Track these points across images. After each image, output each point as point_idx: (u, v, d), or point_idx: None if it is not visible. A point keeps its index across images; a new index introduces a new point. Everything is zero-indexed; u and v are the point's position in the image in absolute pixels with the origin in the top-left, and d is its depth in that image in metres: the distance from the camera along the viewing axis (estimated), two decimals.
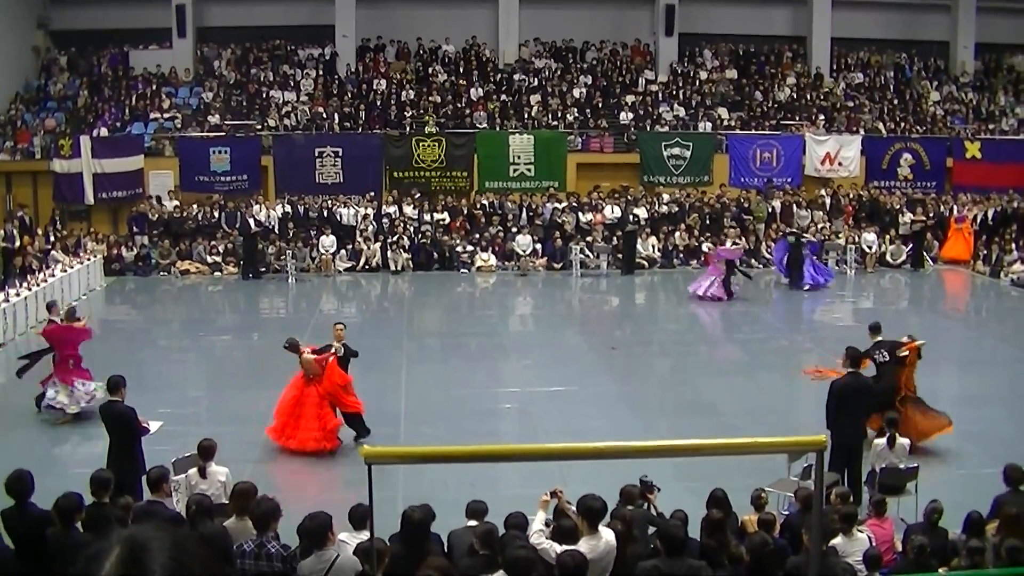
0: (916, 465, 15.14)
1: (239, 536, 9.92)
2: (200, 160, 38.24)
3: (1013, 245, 36.69)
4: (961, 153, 42.78)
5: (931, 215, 38.84)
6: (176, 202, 37.30)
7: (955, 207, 39.35)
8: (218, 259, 35.24)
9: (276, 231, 36.16)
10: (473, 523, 10.89)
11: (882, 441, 15.22)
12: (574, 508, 10.49)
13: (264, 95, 41.57)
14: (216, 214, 36.70)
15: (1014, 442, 17.12)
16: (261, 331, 28.76)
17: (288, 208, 37.12)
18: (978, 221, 38.79)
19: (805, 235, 34.24)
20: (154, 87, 41.59)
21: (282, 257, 34.68)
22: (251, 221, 35.10)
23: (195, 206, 37.11)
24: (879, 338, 18.45)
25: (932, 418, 17.83)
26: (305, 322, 28.37)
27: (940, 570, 10.70)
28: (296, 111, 40.74)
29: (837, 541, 11.49)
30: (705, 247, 36.89)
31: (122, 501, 11.22)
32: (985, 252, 37.45)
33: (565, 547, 9.74)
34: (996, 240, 37.41)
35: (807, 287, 32.84)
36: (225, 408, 20.25)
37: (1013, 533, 11.26)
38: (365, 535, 9.85)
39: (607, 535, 10.10)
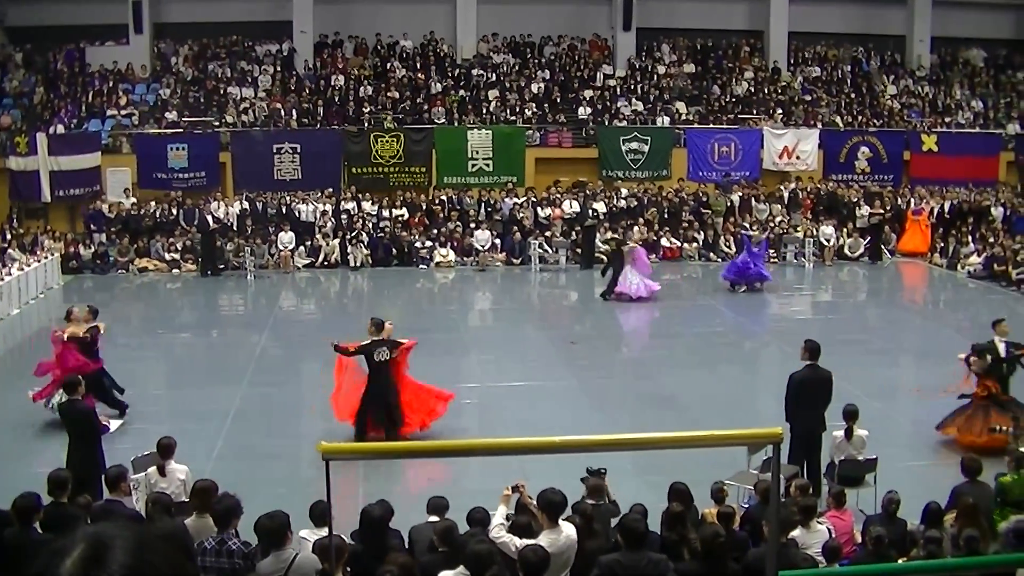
0: (874, 457, 15.23)
1: (200, 534, 9.90)
2: (158, 157, 38.01)
3: (969, 237, 36.95)
4: (918, 146, 43.06)
5: (888, 208, 39.05)
6: (134, 199, 37.08)
7: (912, 200, 39.59)
8: (176, 256, 35.08)
9: (235, 228, 36.05)
10: (434, 519, 10.92)
11: (840, 433, 15.31)
12: (536, 502, 10.54)
13: (222, 91, 41.39)
14: (174, 211, 36.51)
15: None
16: (220, 328, 28.73)
17: (246, 205, 36.99)
18: (935, 214, 39.04)
19: (758, 238, 33.72)
20: (111, 84, 41.29)
21: (241, 254, 34.57)
22: (209, 218, 34.88)
23: (153, 203, 36.91)
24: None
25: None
26: (264, 319, 28.33)
27: (899, 560, 10.78)
28: (254, 107, 40.58)
29: (797, 533, 11.56)
30: (664, 241, 37.01)
31: (81, 500, 11.21)
32: (942, 244, 37.72)
33: (526, 541, 9.80)
34: (953, 233, 37.66)
35: (742, 288, 32.28)
36: (184, 406, 20.21)
37: (971, 523, 11.38)
38: (326, 532, 9.86)
39: (568, 529, 10.14)
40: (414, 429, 17.82)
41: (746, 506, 13.37)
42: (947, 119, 44.82)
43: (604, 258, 33.14)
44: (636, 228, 34.42)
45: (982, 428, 17.11)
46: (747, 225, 35.63)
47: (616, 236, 31.94)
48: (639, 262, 30.68)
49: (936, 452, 17.37)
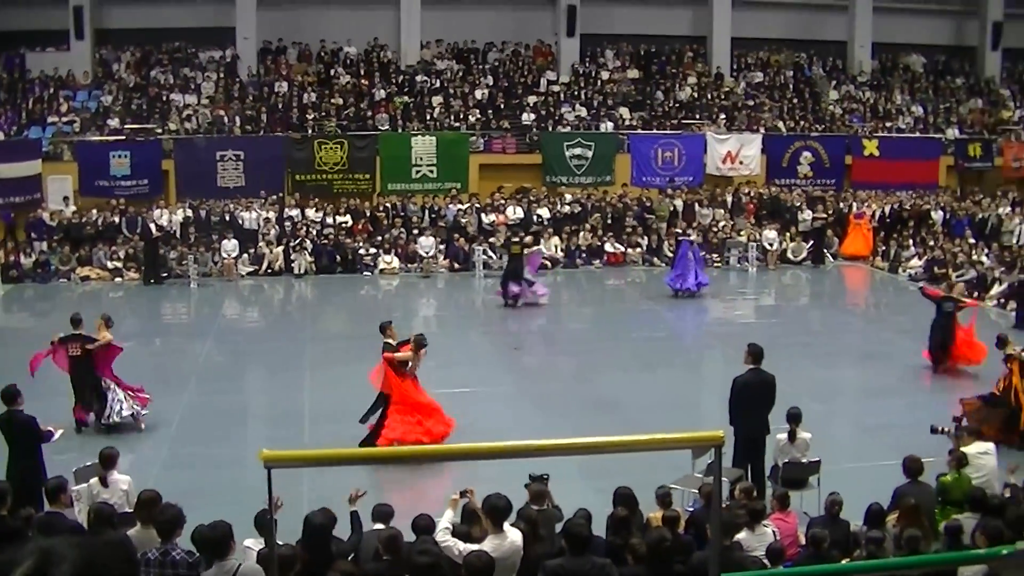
0: (818, 459, 15.34)
1: (144, 545, 9.83)
2: (100, 164, 37.64)
3: (910, 241, 37.30)
4: (859, 151, 43.42)
5: (831, 212, 39.34)
6: (75, 207, 36.77)
7: (854, 204, 39.89)
8: (119, 264, 34.80)
9: (178, 236, 35.81)
10: (379, 526, 10.92)
11: (784, 436, 15.40)
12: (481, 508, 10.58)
13: (164, 98, 41.09)
14: (117, 219, 36.19)
15: (913, 433, 17.38)
16: (163, 337, 28.56)
17: (190, 212, 36.71)
18: (876, 217, 39.37)
19: (692, 240, 33.40)
20: (52, 90, 40.93)
21: (184, 262, 34.39)
22: (152, 226, 34.61)
23: (95, 211, 36.58)
24: None
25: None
26: (208, 327, 28.21)
27: (843, 561, 10.87)
28: (197, 114, 40.34)
29: (742, 535, 11.63)
30: (608, 247, 37.13)
31: (23, 512, 11.10)
32: (884, 248, 38.04)
33: (471, 546, 9.83)
34: (894, 236, 37.99)
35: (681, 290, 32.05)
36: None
37: (912, 523, 11.51)
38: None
39: (513, 535, 10.17)
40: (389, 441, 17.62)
41: (691, 510, 13.43)
42: (888, 124, 45.21)
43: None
44: (534, 233, 34.32)
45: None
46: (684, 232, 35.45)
47: (516, 239, 31.77)
48: (531, 266, 30.77)
49: (878, 453, 17.50)
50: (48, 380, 19.38)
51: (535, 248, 31.88)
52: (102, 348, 19.26)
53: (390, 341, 18.87)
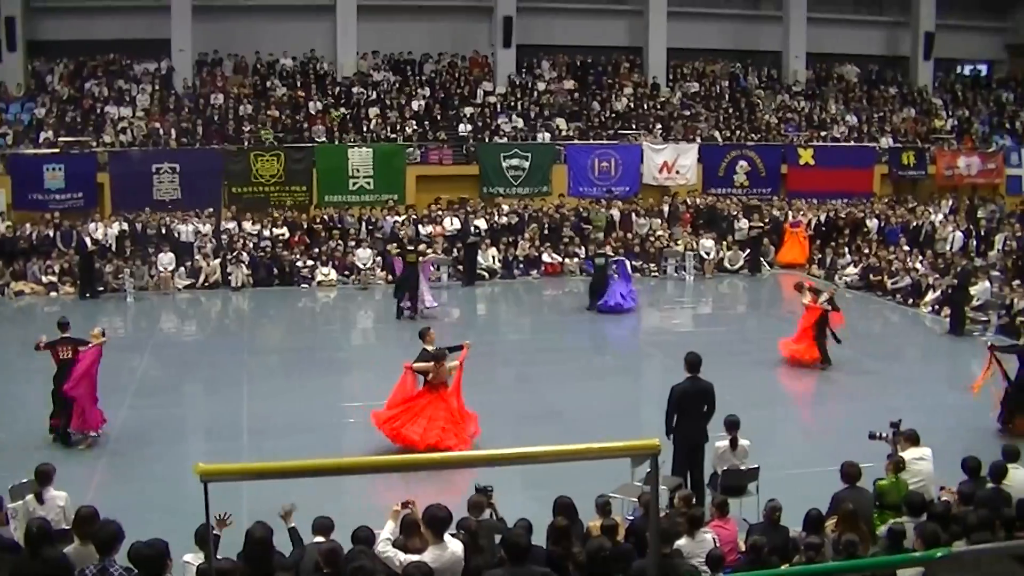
0: (757, 466, 15.43)
1: (81, 562, 9.73)
2: (33, 177, 37.25)
3: (846, 249, 37.61)
4: (795, 160, 43.81)
5: (767, 221, 39.59)
6: (8, 222, 36.39)
7: (790, 213, 40.18)
8: (54, 279, 34.40)
9: (113, 249, 35.49)
10: (320, 539, 10.88)
11: (724, 443, 15.47)
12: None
13: (99, 110, 40.76)
14: (51, 233, 35.79)
15: (851, 439, 17.50)
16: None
17: (125, 226, 36.36)
18: (812, 226, 39.67)
19: (614, 256, 33.25)
20: None
21: (120, 275, 34.08)
22: (88, 239, 34.31)
23: (28, 225, 36.17)
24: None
25: None
26: (145, 341, 28.02)
27: (782, 567, 10.93)
28: (132, 127, 40.01)
29: (682, 543, 11.69)
30: (545, 257, 37.18)
31: None
32: (820, 256, 38.33)
33: (411, 557, 9.82)
34: (830, 244, 38.28)
35: (607, 308, 31.55)
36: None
37: (850, 528, 11.61)
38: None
39: (453, 545, 10.16)
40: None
41: (631, 518, 13.46)
42: (823, 133, 45.64)
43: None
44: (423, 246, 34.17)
45: None
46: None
47: (414, 249, 31.71)
48: (424, 276, 30.77)
49: (817, 459, 17.62)
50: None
51: (429, 256, 32.03)
52: (93, 351, 19.28)
53: (428, 348, 19.26)
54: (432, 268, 32.29)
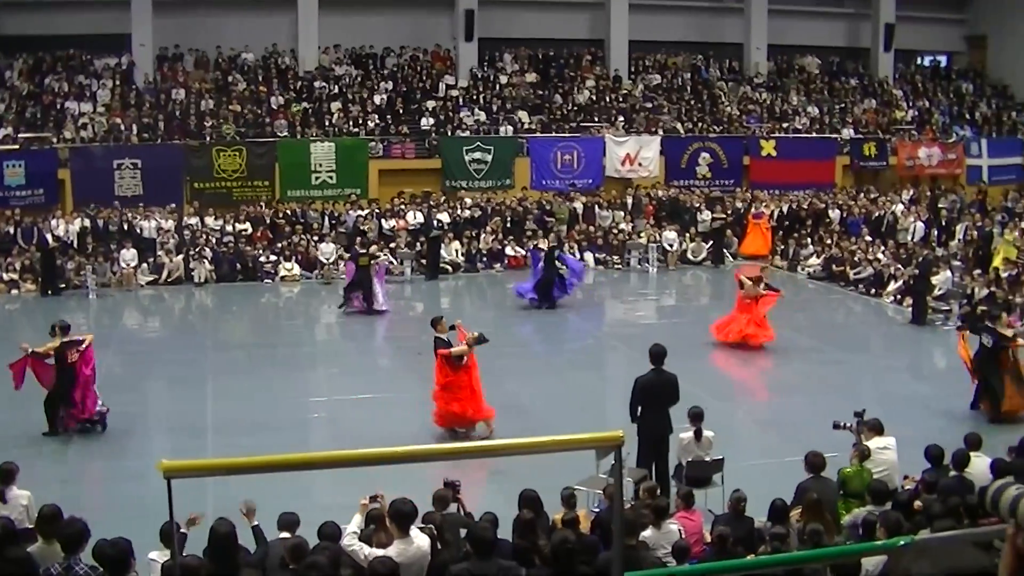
0: (721, 457, 15.50)
1: (46, 560, 9.69)
2: None
3: (808, 240, 37.75)
4: (757, 151, 43.97)
5: (729, 212, 39.71)
6: None
7: (753, 204, 40.29)
8: (15, 276, 34.16)
9: (75, 246, 35.28)
10: (285, 535, 10.87)
11: (688, 435, 15.52)
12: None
13: (59, 106, 40.48)
14: (12, 230, 35.55)
15: (815, 429, 17.59)
16: None
17: (87, 222, 36.15)
18: (775, 217, 39.80)
19: (561, 251, 32.63)
20: None
21: (82, 272, 33.87)
22: (49, 236, 34.11)
23: None
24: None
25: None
26: (108, 338, 27.86)
27: (748, 557, 10.97)
28: (93, 122, 39.75)
29: (647, 534, 11.71)
30: (509, 250, 37.19)
31: None
32: (782, 247, 38.47)
33: (376, 551, 9.82)
34: (793, 235, 38.43)
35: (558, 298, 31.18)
36: (25, 429, 19.72)
37: (814, 517, 11.68)
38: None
39: (419, 540, 10.15)
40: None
41: (596, 510, 13.49)
42: (784, 124, 45.78)
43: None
44: (380, 245, 34.43)
45: None
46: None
47: (365, 253, 31.63)
48: (378, 277, 30.72)
49: (781, 450, 17.70)
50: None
51: (380, 259, 32.04)
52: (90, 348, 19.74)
53: (441, 336, 19.70)
54: (385, 271, 32.08)
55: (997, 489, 4.92)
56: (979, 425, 18.33)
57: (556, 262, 31.21)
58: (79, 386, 19.35)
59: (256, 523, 11.41)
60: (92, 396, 19.59)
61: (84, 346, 19.57)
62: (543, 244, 33.03)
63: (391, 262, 33.21)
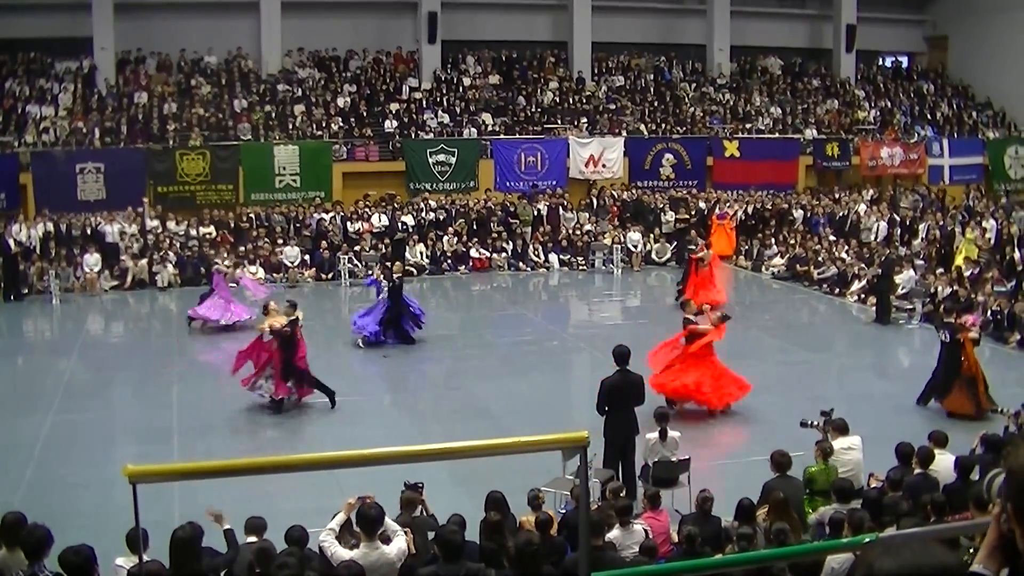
0: (687, 457, 15.54)
1: (9, 569, 9.64)
2: None
3: (772, 240, 37.91)
4: (720, 152, 44.17)
5: (693, 213, 39.85)
6: None
7: (717, 204, 40.42)
8: None
9: (38, 251, 35.09)
10: (252, 539, 10.85)
11: (654, 435, 15.56)
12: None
13: (20, 110, 40.24)
14: None
15: (780, 429, 17.67)
16: (25, 355, 28.03)
17: (50, 227, 35.99)
18: (738, 217, 39.94)
19: (402, 276, 28.34)
20: None
21: (45, 277, 33.68)
22: (11, 241, 33.89)
23: None
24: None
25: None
26: (72, 344, 27.76)
27: (715, 557, 11.01)
28: (55, 126, 39.52)
29: (614, 534, 11.75)
30: (473, 252, 37.20)
31: None
32: (747, 247, 38.60)
33: (349, 553, 9.85)
34: (757, 235, 38.58)
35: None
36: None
37: (781, 516, 11.72)
38: (145, 558, 9.71)
39: (388, 548, 10.16)
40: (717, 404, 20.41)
41: (563, 511, 13.51)
42: (747, 125, 45.97)
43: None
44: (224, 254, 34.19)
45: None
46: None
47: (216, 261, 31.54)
48: (218, 286, 30.40)
49: (747, 449, 17.78)
50: None
51: (218, 266, 31.66)
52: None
53: (689, 316, 21.38)
54: (225, 278, 31.42)
55: (991, 477, 4.99)
56: (942, 422, 18.43)
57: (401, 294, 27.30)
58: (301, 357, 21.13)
59: (228, 526, 11.36)
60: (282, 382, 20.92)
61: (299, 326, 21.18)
62: (382, 272, 28.70)
63: (224, 272, 32.26)
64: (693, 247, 31.79)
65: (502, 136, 42.94)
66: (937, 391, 20.60)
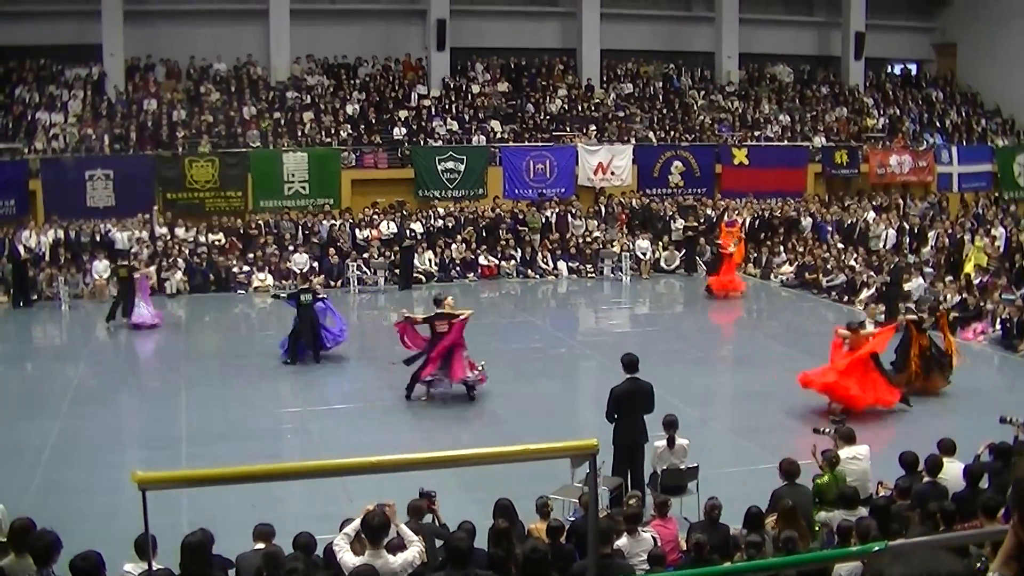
0: (696, 464, 15.51)
1: (19, 574, 9.65)
2: None
3: (781, 247, 37.87)
4: (729, 159, 44.10)
5: (702, 221, 39.81)
6: None
7: (725, 212, 40.38)
8: None
9: (47, 257, 35.13)
10: (260, 545, 10.85)
11: (662, 443, 15.53)
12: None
13: (30, 117, 40.23)
14: None
15: (789, 436, 17.65)
16: (34, 361, 28.05)
17: (60, 233, 36.02)
18: (747, 225, 39.88)
19: (320, 294, 27.15)
20: None
21: (54, 284, 33.73)
22: (21, 247, 33.94)
23: None
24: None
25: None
26: (80, 350, 27.79)
27: (723, 564, 11.00)
28: (64, 133, 39.53)
29: (622, 542, 11.73)
30: (482, 260, 37.20)
31: None
32: (755, 255, 38.54)
33: (359, 560, 9.84)
34: (765, 243, 38.53)
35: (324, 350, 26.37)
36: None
37: (789, 524, 11.69)
38: (155, 565, 9.71)
39: (393, 560, 10.13)
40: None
41: (572, 519, 13.50)
42: (756, 133, 45.91)
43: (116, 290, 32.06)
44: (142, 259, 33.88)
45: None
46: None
47: (127, 263, 31.39)
48: (142, 291, 30.32)
49: (755, 457, 17.74)
50: None
51: (143, 271, 31.46)
52: (460, 323, 22.24)
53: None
54: (148, 284, 31.39)
55: None
56: (949, 430, 18.38)
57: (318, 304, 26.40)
58: (438, 349, 21.95)
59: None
60: (460, 364, 21.94)
61: (456, 320, 22.16)
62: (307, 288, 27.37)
63: (148, 276, 32.18)
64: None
65: (511, 143, 42.90)
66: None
